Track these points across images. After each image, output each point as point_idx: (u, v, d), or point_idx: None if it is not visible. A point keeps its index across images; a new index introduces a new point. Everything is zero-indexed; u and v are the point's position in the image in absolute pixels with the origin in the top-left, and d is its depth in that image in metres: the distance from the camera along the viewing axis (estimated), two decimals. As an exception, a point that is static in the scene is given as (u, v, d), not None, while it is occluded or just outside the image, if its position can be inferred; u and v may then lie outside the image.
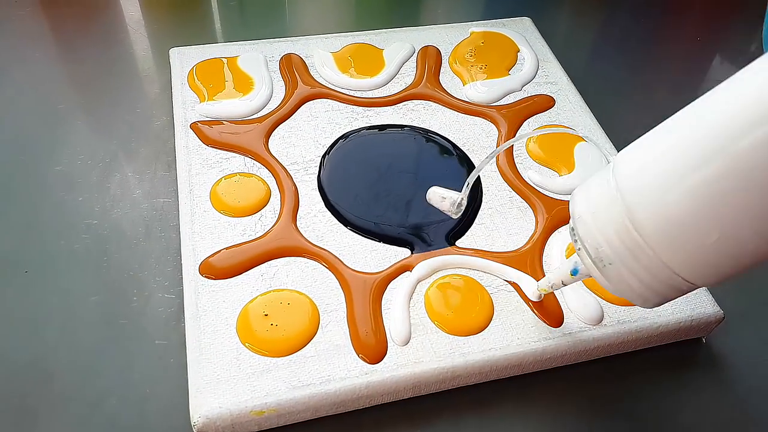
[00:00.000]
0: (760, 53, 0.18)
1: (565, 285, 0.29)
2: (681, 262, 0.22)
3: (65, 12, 0.51)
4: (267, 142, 0.39)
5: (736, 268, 0.22)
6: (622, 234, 0.22)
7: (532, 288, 0.33)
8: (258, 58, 0.44)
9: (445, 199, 0.32)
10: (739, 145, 0.19)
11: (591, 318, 0.33)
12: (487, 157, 0.31)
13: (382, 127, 0.41)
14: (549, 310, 0.33)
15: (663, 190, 0.21)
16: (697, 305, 0.33)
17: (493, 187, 0.38)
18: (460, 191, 0.32)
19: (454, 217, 0.32)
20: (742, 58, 0.42)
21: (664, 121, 0.22)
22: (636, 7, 0.57)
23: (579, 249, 0.24)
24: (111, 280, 0.34)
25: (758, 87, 0.19)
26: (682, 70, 0.52)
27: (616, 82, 0.49)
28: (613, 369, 0.33)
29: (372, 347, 0.31)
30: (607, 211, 0.23)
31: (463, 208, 0.32)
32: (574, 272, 0.28)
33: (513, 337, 0.32)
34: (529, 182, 0.39)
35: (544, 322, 0.32)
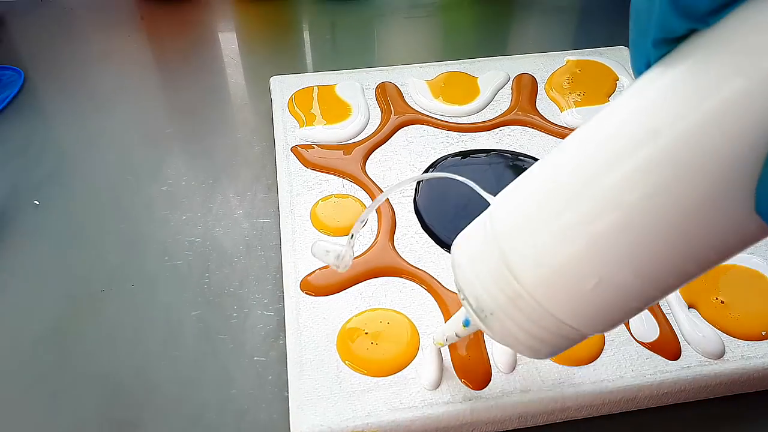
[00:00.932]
0: None
1: (460, 337, 0.26)
2: (564, 309, 0.19)
3: (169, 47, 0.54)
4: (364, 165, 0.39)
5: (626, 313, 0.19)
6: (500, 281, 0.20)
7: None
8: (355, 86, 0.45)
9: (329, 252, 0.27)
10: (604, 182, 0.17)
11: (710, 352, 0.30)
12: (372, 204, 0.26)
13: (470, 153, 0.41)
14: (666, 342, 0.30)
15: (533, 233, 0.19)
16: (834, 342, 0.30)
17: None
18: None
19: (341, 271, 0.27)
20: None
21: (539, 160, 0.21)
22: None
23: (463, 299, 0.22)
24: (212, 296, 0.35)
25: (618, 120, 0.18)
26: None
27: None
28: (735, 410, 0.31)
29: (475, 372, 0.29)
30: (484, 257, 0.20)
31: (350, 261, 0.27)
32: (466, 323, 0.25)
33: (626, 368, 0.30)
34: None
35: (660, 355, 0.30)
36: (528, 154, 0.40)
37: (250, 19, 0.58)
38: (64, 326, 0.34)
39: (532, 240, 0.19)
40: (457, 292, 0.22)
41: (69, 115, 0.46)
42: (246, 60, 0.53)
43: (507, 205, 0.21)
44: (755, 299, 0.32)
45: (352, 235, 0.26)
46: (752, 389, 0.31)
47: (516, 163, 0.40)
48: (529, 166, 0.38)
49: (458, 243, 0.22)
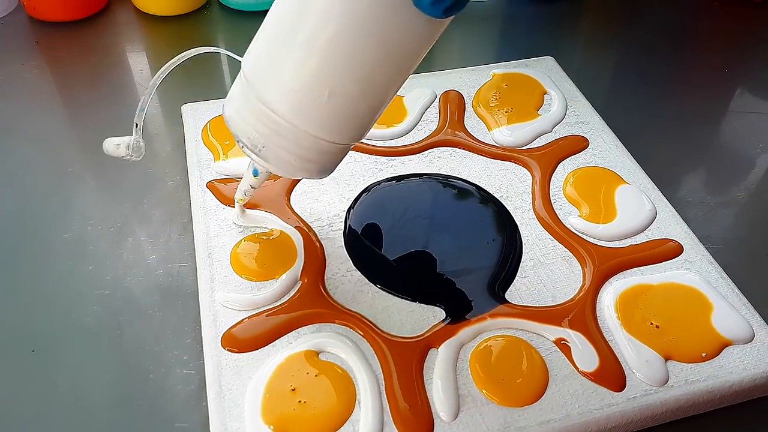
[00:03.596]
0: None
1: (255, 188, 0.31)
2: (315, 124, 0.24)
3: (73, 73, 0.49)
4: (289, 198, 0.37)
5: (361, 117, 0.25)
6: (262, 117, 0.25)
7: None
8: (274, 111, 0.42)
9: (119, 145, 0.32)
10: (309, 12, 0.22)
11: (655, 379, 0.29)
12: (151, 86, 0.32)
13: (402, 178, 0.39)
14: (610, 373, 0.29)
15: (276, 68, 0.24)
16: (773, 360, 0.30)
17: (533, 236, 0.36)
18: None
19: (137, 159, 0.32)
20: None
21: (268, 15, 0.25)
22: (648, 41, 0.55)
23: (242, 147, 0.26)
24: (125, 356, 0.31)
25: None
26: (705, 100, 0.49)
27: (642, 117, 0.47)
28: (683, 434, 0.30)
29: (416, 423, 0.27)
30: (246, 102, 0.25)
31: (143, 149, 0.32)
32: (255, 173, 0.30)
33: (573, 405, 0.28)
34: (571, 229, 0.36)
35: (605, 386, 0.29)
36: (459, 176, 0.39)
37: (161, 39, 0.54)
38: (-48, 406, 0.30)
39: (277, 74, 0.24)
40: (240, 147, 0.26)
41: (-44, 155, 0.42)
42: (159, 85, 0.49)
43: (252, 54, 0.25)
44: (690, 319, 0.32)
45: (137, 125, 0.32)
46: (698, 412, 0.30)
47: (464, 186, 0.38)
48: (473, 191, 0.37)
49: (227, 101, 0.27)
